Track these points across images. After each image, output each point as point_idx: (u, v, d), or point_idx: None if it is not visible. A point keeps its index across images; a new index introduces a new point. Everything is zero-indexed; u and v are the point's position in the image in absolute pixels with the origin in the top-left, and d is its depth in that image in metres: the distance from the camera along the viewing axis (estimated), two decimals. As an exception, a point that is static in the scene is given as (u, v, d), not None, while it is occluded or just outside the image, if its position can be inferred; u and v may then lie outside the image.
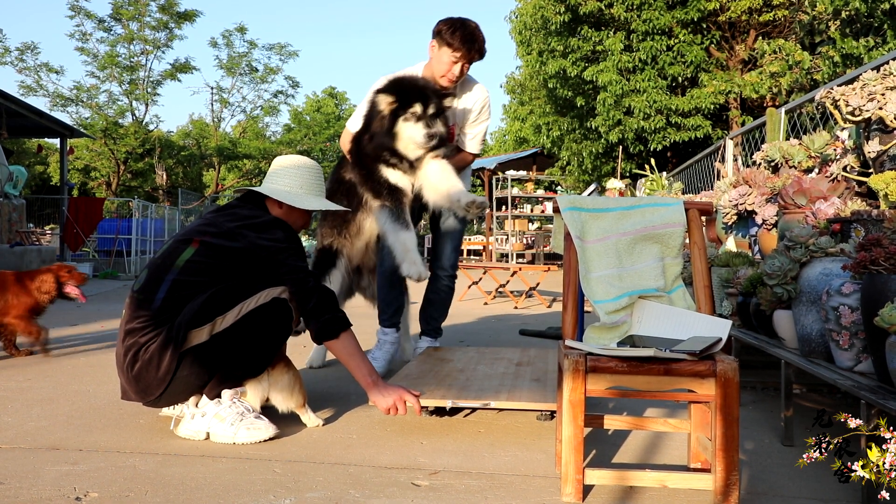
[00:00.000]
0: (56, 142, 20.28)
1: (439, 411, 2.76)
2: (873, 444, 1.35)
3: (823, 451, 1.45)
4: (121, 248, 14.63)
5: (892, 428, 1.37)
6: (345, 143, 3.61)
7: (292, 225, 2.65)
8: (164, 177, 26.56)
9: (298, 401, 2.57)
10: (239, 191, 2.76)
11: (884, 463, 1.31)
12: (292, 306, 2.49)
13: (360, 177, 3.43)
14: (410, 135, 3.19)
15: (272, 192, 2.65)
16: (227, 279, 2.43)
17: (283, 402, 2.55)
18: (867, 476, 1.32)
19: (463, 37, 3.30)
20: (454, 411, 2.80)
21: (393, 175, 3.31)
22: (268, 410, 2.54)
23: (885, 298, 1.82)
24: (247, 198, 2.71)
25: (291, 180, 2.68)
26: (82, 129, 20.30)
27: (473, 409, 2.81)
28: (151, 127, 26.70)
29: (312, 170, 2.74)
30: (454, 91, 3.48)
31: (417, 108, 3.17)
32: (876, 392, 1.84)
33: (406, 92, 3.22)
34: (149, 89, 25.94)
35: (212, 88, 31.86)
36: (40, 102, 29.54)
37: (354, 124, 3.55)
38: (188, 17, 25.66)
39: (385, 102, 3.23)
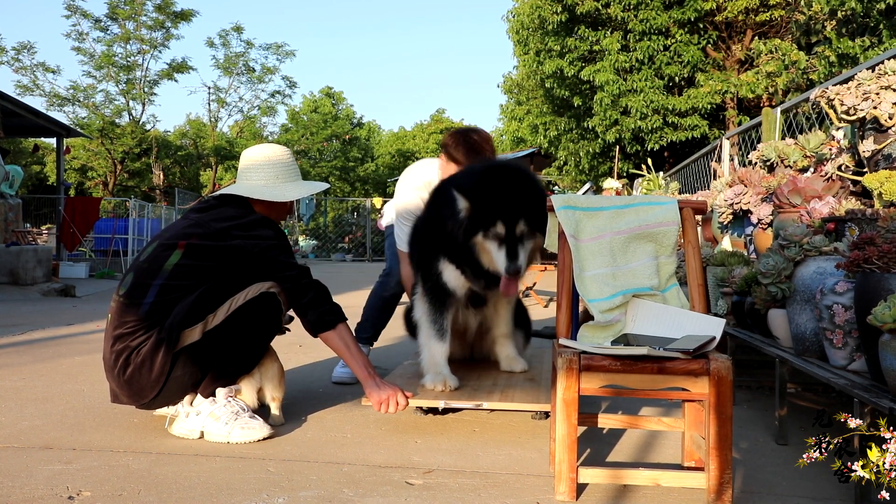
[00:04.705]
0: (53, 141, 20.15)
1: (433, 409, 2.76)
2: (872, 444, 1.35)
3: (823, 450, 1.45)
4: (117, 247, 14.60)
5: (891, 428, 1.37)
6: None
7: (276, 216, 2.65)
8: (161, 176, 26.49)
9: (283, 391, 2.63)
10: (213, 193, 2.72)
11: (883, 463, 1.31)
12: (281, 299, 2.49)
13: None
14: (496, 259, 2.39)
15: (249, 190, 2.60)
16: (216, 279, 2.43)
17: (271, 391, 2.59)
18: (867, 476, 1.32)
19: (467, 151, 3.04)
20: (448, 410, 2.80)
21: (452, 276, 2.64)
22: (263, 410, 2.54)
23: (879, 297, 1.82)
24: (226, 196, 2.65)
25: (265, 173, 2.62)
26: (79, 129, 20.22)
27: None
28: (148, 126, 26.63)
29: (283, 157, 2.68)
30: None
31: (500, 230, 2.37)
32: (869, 391, 1.84)
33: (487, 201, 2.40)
34: (145, 89, 25.86)
35: (209, 88, 31.74)
36: (37, 102, 29.36)
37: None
38: (185, 16, 25.59)
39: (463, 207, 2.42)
